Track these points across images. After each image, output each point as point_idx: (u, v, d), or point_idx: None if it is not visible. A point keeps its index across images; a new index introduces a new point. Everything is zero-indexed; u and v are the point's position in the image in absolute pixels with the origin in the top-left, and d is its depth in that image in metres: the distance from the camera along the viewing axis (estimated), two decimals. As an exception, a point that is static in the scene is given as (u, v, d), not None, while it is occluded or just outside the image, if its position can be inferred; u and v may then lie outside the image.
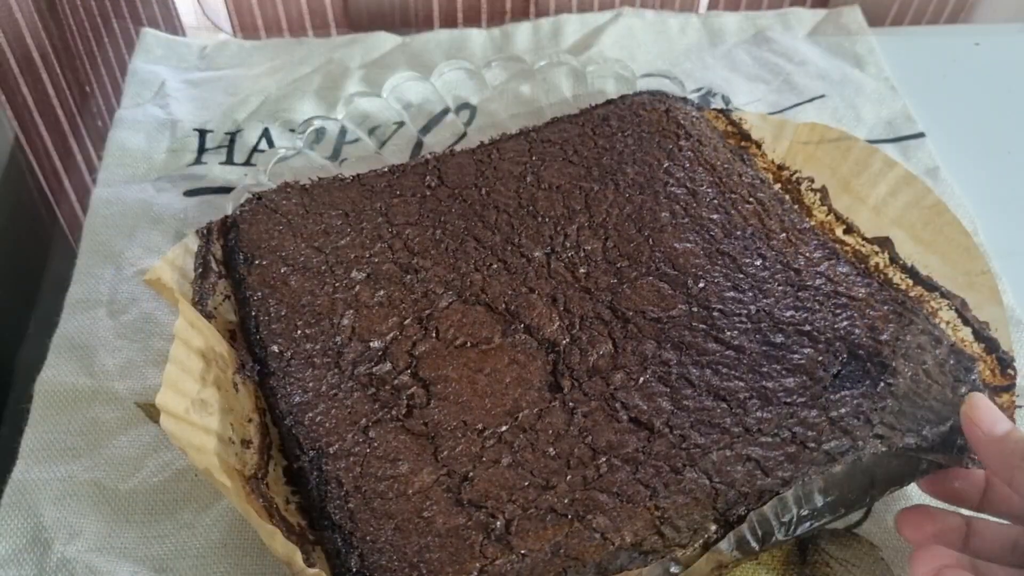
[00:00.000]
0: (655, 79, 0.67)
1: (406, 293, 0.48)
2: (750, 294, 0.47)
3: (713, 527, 0.37)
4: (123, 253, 0.56)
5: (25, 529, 0.43)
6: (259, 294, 0.47)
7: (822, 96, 0.69)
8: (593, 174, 0.55)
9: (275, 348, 0.45)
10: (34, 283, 0.63)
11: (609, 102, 0.61)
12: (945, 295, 0.47)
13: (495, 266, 0.49)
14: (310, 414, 0.42)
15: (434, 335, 0.46)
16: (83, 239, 0.57)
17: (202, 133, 0.65)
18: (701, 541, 0.37)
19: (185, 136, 0.64)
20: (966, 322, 0.46)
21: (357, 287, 0.48)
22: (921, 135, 0.65)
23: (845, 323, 0.45)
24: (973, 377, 0.42)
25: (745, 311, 0.46)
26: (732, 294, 0.47)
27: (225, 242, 0.51)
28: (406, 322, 0.46)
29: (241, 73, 0.70)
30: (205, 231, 0.50)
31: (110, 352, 0.51)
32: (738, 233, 0.50)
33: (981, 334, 0.45)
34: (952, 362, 0.43)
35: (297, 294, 0.48)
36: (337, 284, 0.48)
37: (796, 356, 0.44)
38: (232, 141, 0.64)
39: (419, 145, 0.64)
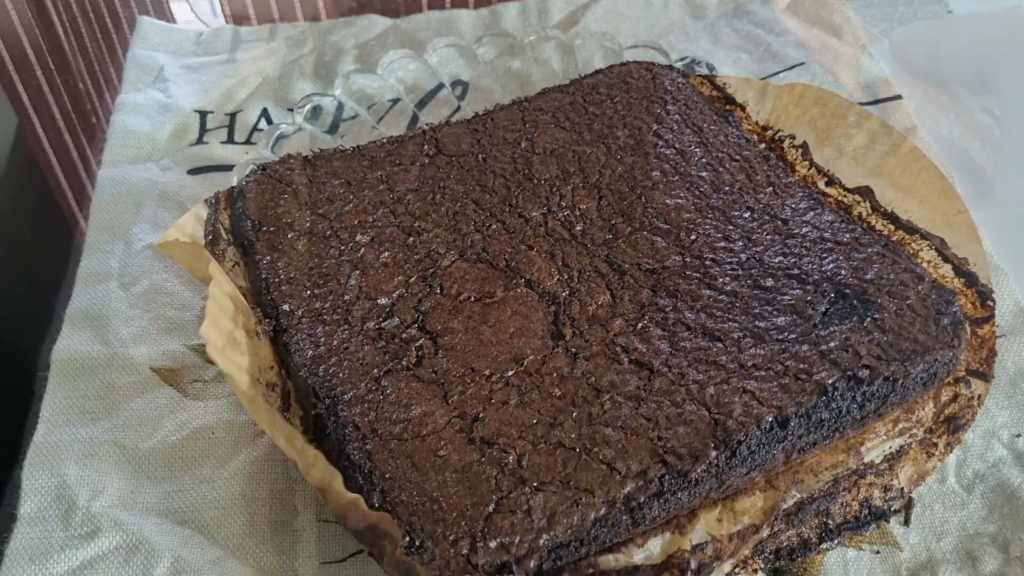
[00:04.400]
0: (641, 50, 0.69)
1: (409, 254, 0.50)
2: (740, 243, 0.49)
3: (714, 453, 0.39)
4: (131, 229, 0.57)
5: (49, 488, 0.45)
6: (268, 258, 0.49)
7: (802, 63, 0.71)
8: (585, 138, 0.57)
9: (286, 307, 0.47)
10: (39, 272, 0.64)
11: (598, 72, 0.63)
12: (925, 236, 0.49)
13: (494, 226, 0.51)
14: (324, 366, 0.44)
15: (439, 291, 0.48)
16: (91, 216, 0.58)
17: (203, 114, 0.67)
18: (703, 466, 0.39)
19: (186, 117, 0.66)
20: (946, 260, 0.48)
21: (362, 250, 0.50)
22: (898, 97, 0.68)
23: (831, 265, 0.47)
24: (954, 309, 0.44)
25: (736, 259, 0.48)
26: (723, 244, 0.49)
27: (232, 211, 0.52)
28: (411, 280, 0.48)
29: (238, 57, 0.72)
30: (213, 200, 0.52)
31: (124, 322, 0.52)
32: (726, 188, 0.52)
33: (960, 269, 0.47)
34: (934, 296, 0.45)
35: (304, 258, 0.49)
36: (343, 248, 0.50)
37: (786, 297, 0.46)
38: (232, 121, 0.66)
39: (415, 119, 0.66)
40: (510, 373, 0.43)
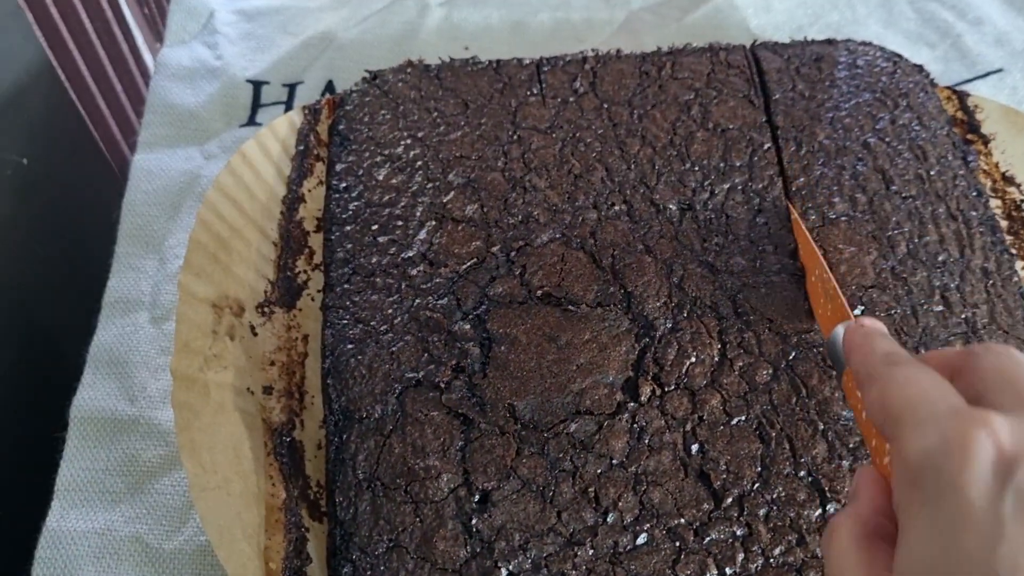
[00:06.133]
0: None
1: (503, 214, 0.41)
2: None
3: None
4: (166, 240, 0.48)
5: None
6: (343, 184, 0.42)
7: (999, 71, 0.54)
8: (775, 123, 0.44)
9: (340, 253, 0.39)
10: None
11: (827, 41, 0.49)
12: None
13: (617, 208, 0.41)
14: (352, 360, 0.37)
15: (518, 274, 0.39)
16: (122, 219, 0.49)
17: (256, 85, 0.54)
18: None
19: (237, 88, 0.54)
20: None
21: (450, 194, 0.41)
22: None
23: None
24: None
25: None
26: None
27: (333, 122, 0.45)
28: (492, 249, 0.40)
29: (301, 4, 0.58)
30: (312, 109, 0.45)
31: (152, 372, 0.44)
32: (924, 257, 0.40)
33: None
34: None
35: (382, 189, 0.42)
36: (428, 185, 0.42)
37: None
38: (291, 95, 0.54)
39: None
40: (548, 436, 0.35)
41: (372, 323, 0.37)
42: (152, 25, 0.77)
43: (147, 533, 0.39)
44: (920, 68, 0.47)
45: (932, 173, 0.43)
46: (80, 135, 0.60)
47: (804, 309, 0.38)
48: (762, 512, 0.33)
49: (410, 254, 0.39)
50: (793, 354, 0.37)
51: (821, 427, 0.35)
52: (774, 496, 0.33)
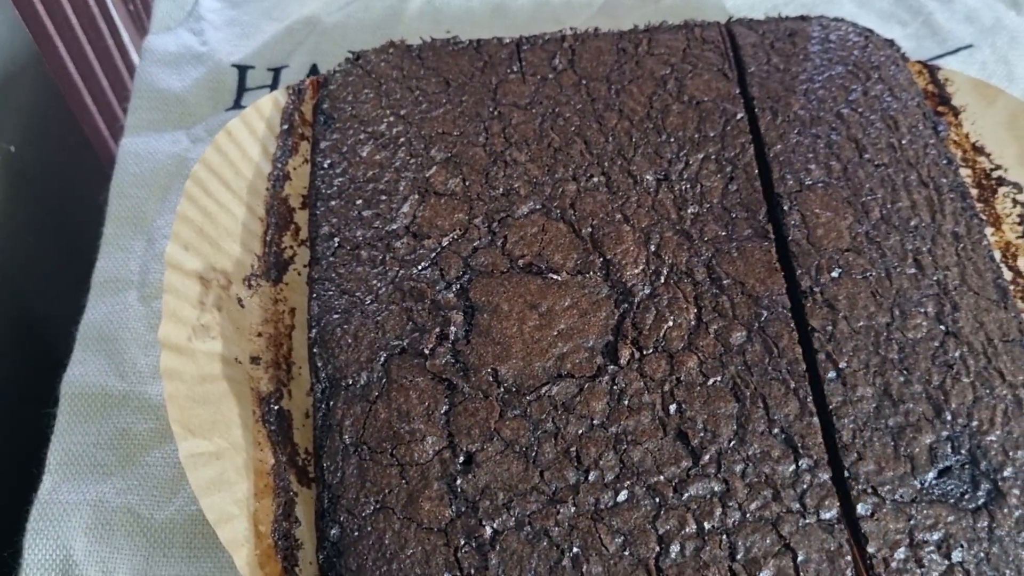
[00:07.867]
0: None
1: (485, 187, 0.42)
2: (886, 319, 0.38)
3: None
4: (155, 220, 0.49)
5: (55, 562, 0.39)
6: (327, 162, 0.43)
7: (969, 46, 0.55)
8: (749, 94, 0.45)
9: (326, 229, 0.40)
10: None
11: (801, 18, 0.50)
12: None
13: (596, 179, 0.42)
14: (338, 330, 0.37)
15: (500, 245, 0.40)
16: (110, 202, 0.50)
17: (242, 70, 0.55)
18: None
19: (222, 73, 0.55)
20: None
21: (433, 169, 0.42)
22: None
23: (986, 416, 0.36)
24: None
25: (871, 341, 0.37)
26: (864, 306, 0.38)
27: (317, 101, 0.46)
28: (475, 221, 0.41)
29: None
30: (296, 89, 0.46)
31: (142, 348, 0.44)
32: (897, 222, 0.41)
33: None
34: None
35: (365, 165, 0.42)
36: (411, 160, 0.42)
37: (910, 434, 0.35)
38: (276, 79, 0.55)
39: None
40: (530, 398, 0.36)
41: (357, 294, 0.38)
42: (137, 21, 0.78)
43: (139, 504, 0.40)
44: (891, 42, 0.48)
45: (904, 142, 0.44)
46: (67, 123, 0.61)
47: (774, 268, 0.39)
48: (738, 468, 0.34)
49: (394, 227, 0.40)
50: (764, 315, 0.37)
51: (792, 385, 0.36)
52: (750, 453, 0.34)
